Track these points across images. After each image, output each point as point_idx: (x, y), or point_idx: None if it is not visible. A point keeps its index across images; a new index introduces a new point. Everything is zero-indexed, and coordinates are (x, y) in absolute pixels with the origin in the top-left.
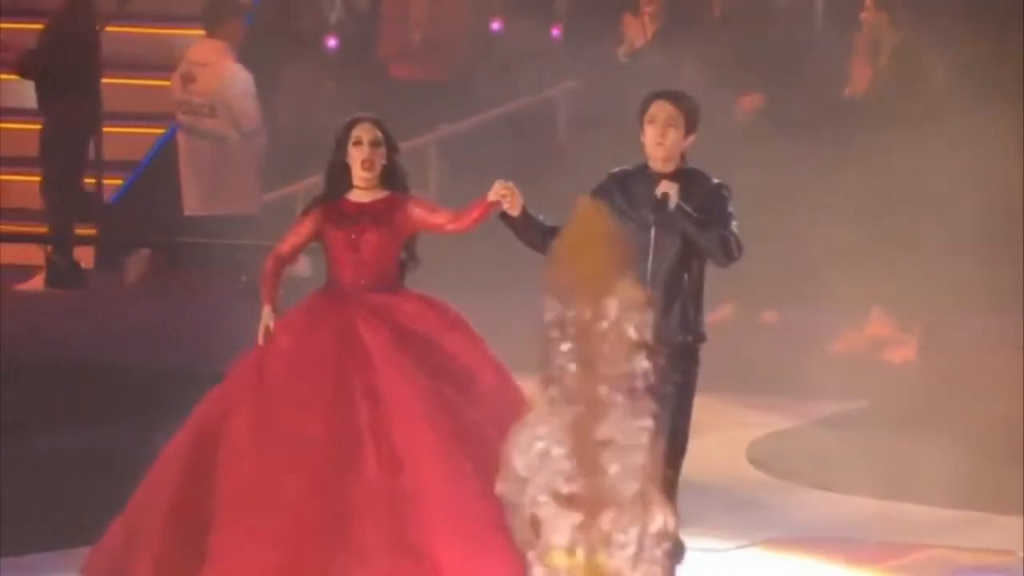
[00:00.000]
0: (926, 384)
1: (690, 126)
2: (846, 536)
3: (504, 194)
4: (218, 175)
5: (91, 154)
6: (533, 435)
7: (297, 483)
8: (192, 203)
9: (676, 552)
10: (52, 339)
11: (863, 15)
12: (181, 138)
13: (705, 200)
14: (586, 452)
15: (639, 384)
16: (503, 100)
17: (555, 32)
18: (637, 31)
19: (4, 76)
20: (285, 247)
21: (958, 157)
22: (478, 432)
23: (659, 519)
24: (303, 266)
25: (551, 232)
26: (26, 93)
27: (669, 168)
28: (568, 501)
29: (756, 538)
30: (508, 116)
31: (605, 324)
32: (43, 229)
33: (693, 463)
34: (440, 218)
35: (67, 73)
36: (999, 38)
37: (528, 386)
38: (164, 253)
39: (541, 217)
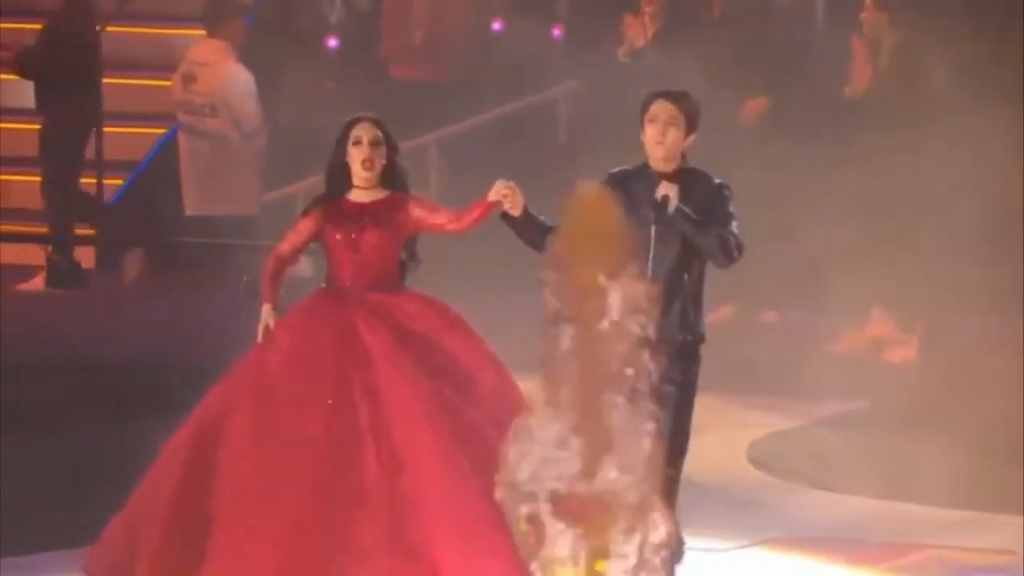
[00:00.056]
0: (926, 384)
1: (691, 125)
2: (846, 536)
3: (505, 194)
4: (219, 175)
5: (92, 154)
6: (532, 441)
7: (297, 483)
8: (193, 203)
9: (676, 551)
10: (52, 339)
11: (863, 15)
12: (182, 138)
13: (705, 200)
14: (587, 457)
15: (641, 386)
16: (504, 100)
17: (556, 32)
18: (638, 31)
19: (4, 76)
20: (285, 247)
21: (958, 157)
22: (478, 432)
23: (661, 529)
24: (304, 266)
25: (552, 232)
26: (26, 93)
27: (670, 167)
28: (568, 507)
29: (756, 538)
30: (509, 116)
31: (606, 323)
32: (43, 229)
33: (694, 463)
34: (441, 218)
35: (65, 73)
36: (999, 38)
37: (528, 386)
38: (161, 253)
39: (542, 217)
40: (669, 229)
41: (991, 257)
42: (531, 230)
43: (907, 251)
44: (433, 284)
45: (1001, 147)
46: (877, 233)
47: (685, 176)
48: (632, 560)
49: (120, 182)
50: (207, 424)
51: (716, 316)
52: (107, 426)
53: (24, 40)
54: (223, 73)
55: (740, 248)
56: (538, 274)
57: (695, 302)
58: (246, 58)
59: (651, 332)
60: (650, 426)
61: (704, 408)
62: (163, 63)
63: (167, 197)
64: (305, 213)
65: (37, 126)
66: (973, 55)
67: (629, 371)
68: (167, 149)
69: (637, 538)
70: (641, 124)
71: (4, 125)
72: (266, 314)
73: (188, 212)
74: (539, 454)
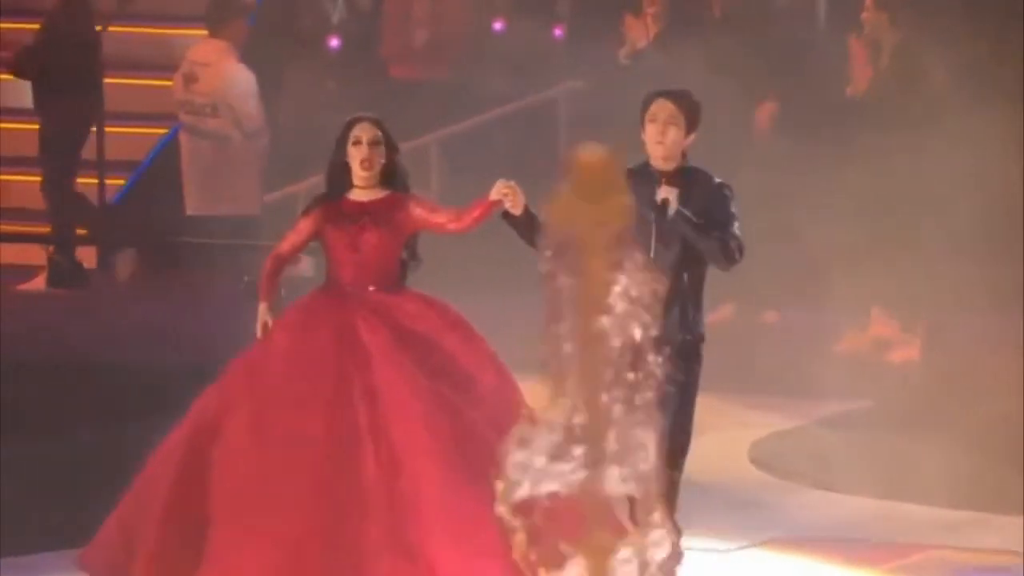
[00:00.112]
0: (927, 384)
1: (691, 125)
2: (847, 536)
3: (506, 193)
4: (220, 175)
5: (93, 154)
6: (531, 453)
7: (297, 483)
8: (194, 203)
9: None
10: (53, 339)
11: (864, 15)
12: (183, 138)
13: (706, 200)
14: (588, 467)
15: (645, 392)
16: (505, 100)
17: (557, 32)
18: (639, 32)
19: (4, 76)
20: (285, 246)
21: (958, 157)
22: (477, 433)
23: (665, 546)
24: (306, 266)
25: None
26: (26, 93)
27: (670, 167)
28: (568, 524)
29: (757, 538)
30: (510, 116)
31: (607, 321)
32: (44, 229)
33: (695, 463)
34: (441, 217)
35: (63, 73)
36: (999, 38)
37: (528, 386)
38: (162, 253)
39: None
40: (670, 229)
41: (991, 257)
42: (532, 229)
43: (907, 251)
44: (433, 284)
45: (1001, 147)
46: (877, 233)
47: (686, 175)
48: None
49: (122, 182)
50: (204, 423)
51: (716, 316)
52: (107, 426)
53: (24, 40)
54: (224, 73)
55: (741, 250)
56: (539, 271)
57: (695, 302)
58: (248, 58)
59: (654, 331)
60: (654, 436)
61: (705, 408)
62: (164, 63)
63: (168, 197)
64: (305, 212)
65: (37, 126)
66: (973, 55)
67: (631, 376)
68: (168, 149)
69: (640, 556)
70: (641, 123)
71: (4, 125)
72: (263, 312)
73: (189, 212)
74: (538, 467)
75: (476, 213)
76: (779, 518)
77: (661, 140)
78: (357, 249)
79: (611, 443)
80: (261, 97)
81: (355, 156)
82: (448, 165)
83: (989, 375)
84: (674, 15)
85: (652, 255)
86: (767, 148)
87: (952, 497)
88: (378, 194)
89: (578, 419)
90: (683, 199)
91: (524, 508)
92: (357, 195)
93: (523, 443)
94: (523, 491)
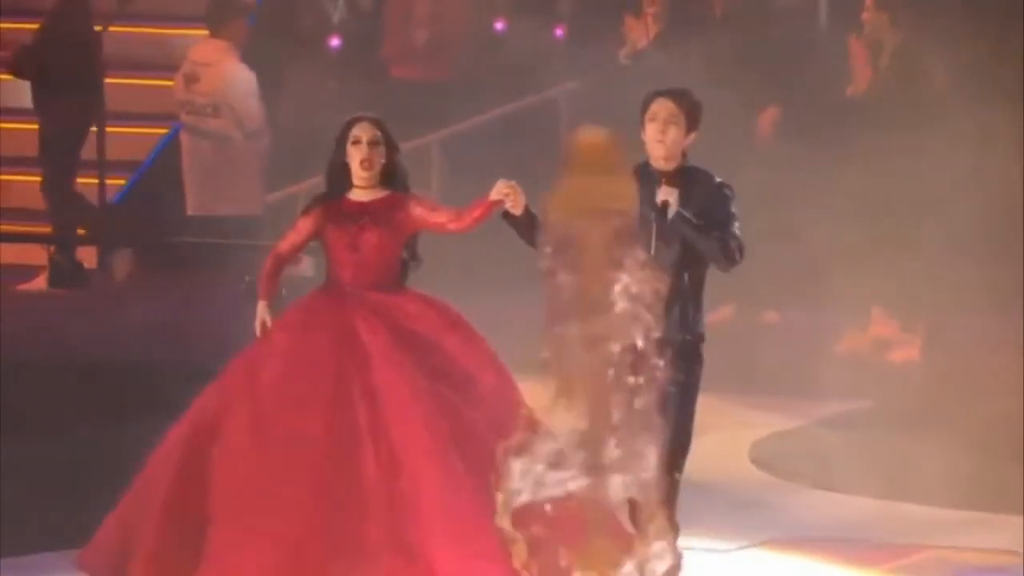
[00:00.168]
0: (927, 384)
1: (691, 124)
2: (848, 536)
3: (507, 193)
4: (221, 175)
5: (94, 154)
6: (531, 462)
7: (297, 483)
8: (195, 203)
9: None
10: (53, 339)
11: (864, 15)
12: (184, 138)
13: (707, 200)
14: (588, 474)
15: (645, 396)
16: (506, 100)
17: (558, 32)
18: (639, 32)
19: (3, 76)
20: (284, 245)
21: (958, 157)
22: (477, 433)
23: (667, 559)
24: (306, 266)
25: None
26: (26, 92)
27: (670, 166)
28: (569, 532)
29: (758, 538)
30: (510, 116)
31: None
32: (45, 229)
33: (695, 463)
34: (441, 217)
35: (63, 73)
36: (999, 38)
37: (528, 386)
38: (162, 253)
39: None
40: (670, 230)
41: (991, 257)
42: (532, 229)
43: (907, 251)
44: (433, 284)
45: (1001, 147)
46: (877, 233)
47: (686, 175)
48: None
49: (123, 182)
50: (203, 422)
51: (717, 316)
52: (107, 426)
53: (23, 40)
54: (225, 73)
55: (741, 251)
56: (539, 268)
57: (695, 302)
58: (248, 58)
59: (657, 333)
60: (654, 443)
61: (706, 408)
62: (165, 63)
63: (169, 197)
64: (305, 212)
65: (37, 126)
66: (973, 55)
67: (631, 379)
68: (169, 149)
69: (642, 569)
70: (641, 123)
71: (4, 125)
72: (262, 311)
73: (190, 212)
74: (537, 474)
75: (477, 213)
76: (779, 518)
77: (661, 139)
78: (357, 249)
79: (612, 450)
80: (262, 97)
81: (355, 156)
82: (448, 165)
83: (989, 375)
84: (674, 15)
85: (653, 255)
86: (767, 148)
87: (952, 497)
88: (378, 194)
89: (580, 425)
90: (683, 199)
91: (525, 518)
92: (357, 195)
93: (523, 451)
94: (523, 498)
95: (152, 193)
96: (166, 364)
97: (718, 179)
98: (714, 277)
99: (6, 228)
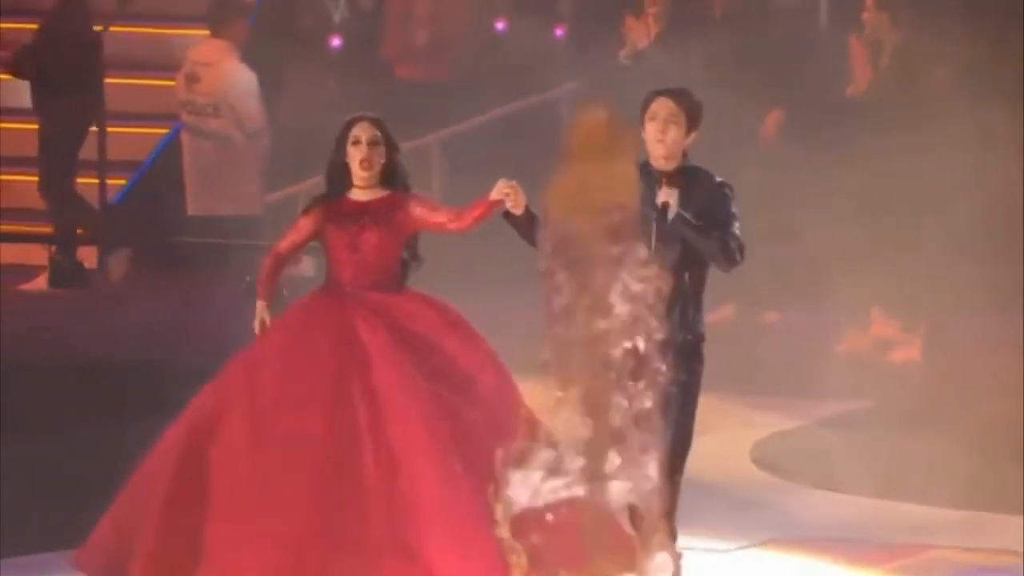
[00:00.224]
0: (928, 384)
1: (692, 123)
2: (849, 536)
3: (507, 193)
4: (222, 175)
5: (94, 154)
6: (529, 470)
7: (296, 483)
8: (196, 203)
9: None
10: (54, 339)
11: (864, 15)
12: (185, 138)
13: (707, 200)
14: (591, 480)
15: (645, 401)
16: (506, 100)
17: (559, 32)
18: (640, 32)
19: (3, 76)
20: (284, 245)
21: (958, 157)
22: (477, 433)
23: (668, 570)
24: (306, 266)
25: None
26: (25, 93)
27: (671, 166)
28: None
29: (758, 538)
30: (511, 116)
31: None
32: (45, 229)
33: (696, 463)
34: (441, 217)
35: (62, 73)
36: (999, 38)
37: (528, 386)
38: (163, 253)
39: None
40: (671, 231)
41: (991, 257)
42: (533, 229)
43: (907, 251)
44: (433, 284)
45: (1001, 147)
46: (877, 233)
47: (686, 175)
48: None
49: (123, 182)
50: (201, 422)
51: (717, 316)
52: (107, 426)
53: (23, 40)
54: (226, 73)
55: (742, 251)
56: (539, 269)
57: (696, 302)
58: (249, 58)
59: (660, 335)
60: (655, 450)
61: (706, 408)
62: (166, 63)
63: (170, 197)
64: (305, 212)
65: (36, 126)
66: (973, 55)
67: (632, 384)
68: (170, 149)
69: None
70: (641, 122)
71: (4, 125)
72: (261, 310)
73: (191, 212)
74: (535, 482)
75: (477, 213)
76: (780, 518)
77: (661, 139)
78: (357, 249)
79: (613, 457)
80: (262, 97)
81: (354, 156)
82: (449, 165)
83: (989, 375)
84: (675, 15)
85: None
86: (768, 148)
87: (952, 497)
88: (378, 194)
89: (581, 432)
90: (684, 199)
91: (524, 527)
92: (357, 195)
93: (521, 459)
94: (521, 505)
95: (152, 193)
96: (166, 364)
97: (718, 179)
98: (714, 277)
99: (6, 228)
